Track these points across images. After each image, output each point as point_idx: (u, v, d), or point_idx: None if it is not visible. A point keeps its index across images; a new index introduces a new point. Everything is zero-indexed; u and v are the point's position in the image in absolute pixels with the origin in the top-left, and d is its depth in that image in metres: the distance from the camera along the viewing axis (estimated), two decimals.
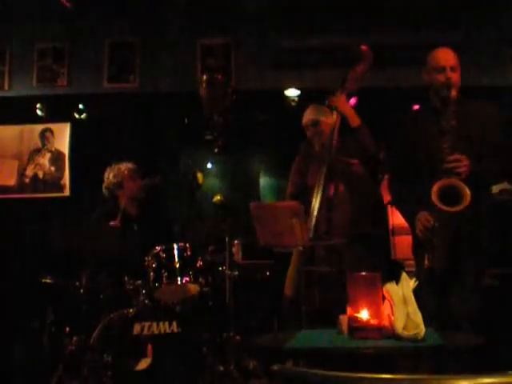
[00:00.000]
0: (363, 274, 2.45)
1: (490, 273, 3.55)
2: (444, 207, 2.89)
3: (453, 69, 3.21)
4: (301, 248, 3.51)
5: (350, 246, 3.58)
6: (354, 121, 3.65)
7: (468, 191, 2.87)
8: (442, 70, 3.20)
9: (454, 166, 2.97)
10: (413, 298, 2.33)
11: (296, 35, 6.11)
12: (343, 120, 3.68)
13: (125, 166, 4.63)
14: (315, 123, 3.99)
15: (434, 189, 2.92)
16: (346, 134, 3.70)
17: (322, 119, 3.96)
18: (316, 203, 3.56)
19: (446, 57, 3.25)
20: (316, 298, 3.49)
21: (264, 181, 6.29)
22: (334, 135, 3.63)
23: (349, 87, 3.64)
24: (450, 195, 2.90)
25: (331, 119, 3.85)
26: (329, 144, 3.65)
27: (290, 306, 3.70)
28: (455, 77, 3.20)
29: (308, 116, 4.08)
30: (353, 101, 3.78)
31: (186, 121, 6.06)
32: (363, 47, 3.67)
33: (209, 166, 6.24)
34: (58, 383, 3.79)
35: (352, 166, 3.65)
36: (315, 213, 3.54)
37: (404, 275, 2.42)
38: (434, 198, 2.91)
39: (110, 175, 4.61)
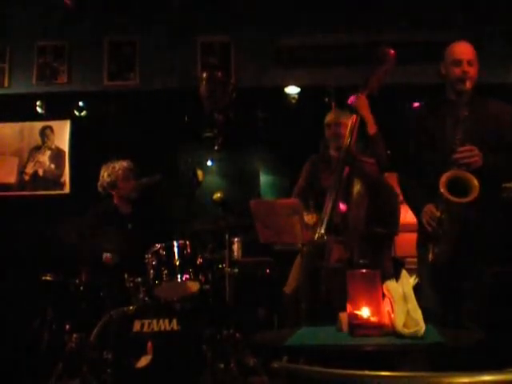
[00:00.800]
0: (363, 271, 2.45)
1: (493, 270, 3.53)
2: (452, 198, 2.88)
3: (470, 63, 3.18)
4: (300, 245, 3.51)
5: (361, 243, 3.57)
6: (372, 127, 3.63)
7: (477, 183, 2.85)
8: (459, 63, 3.18)
9: (464, 156, 2.96)
10: (413, 295, 2.33)
11: (296, 33, 6.12)
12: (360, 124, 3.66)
13: (119, 165, 4.60)
14: (338, 124, 3.97)
15: (443, 179, 2.90)
16: (359, 140, 3.69)
17: (344, 121, 3.94)
18: (331, 199, 3.55)
19: (463, 50, 3.23)
20: (324, 293, 3.48)
21: (264, 178, 6.29)
22: (352, 135, 3.61)
23: (371, 87, 3.63)
24: (459, 187, 2.88)
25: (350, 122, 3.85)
26: (347, 143, 3.63)
27: (291, 303, 3.70)
28: (472, 71, 3.18)
29: (332, 115, 4.07)
30: (352, 98, 3.76)
31: (186, 118, 6.06)
32: (389, 49, 3.66)
33: (209, 163, 6.25)
34: (58, 380, 3.79)
35: (370, 165, 3.64)
36: (330, 209, 3.53)
37: (404, 272, 2.42)
38: (443, 188, 2.89)
39: (104, 174, 4.60)
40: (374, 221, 3.54)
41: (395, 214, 3.63)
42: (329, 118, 4.08)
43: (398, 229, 3.72)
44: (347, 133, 3.64)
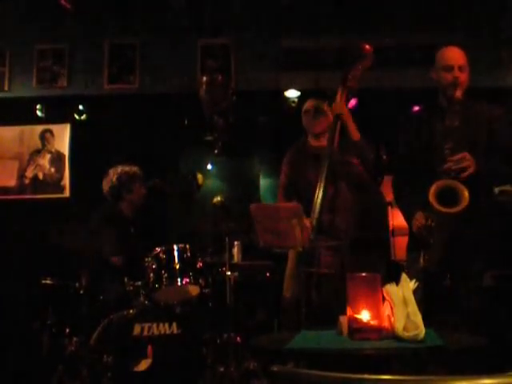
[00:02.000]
0: (363, 274, 2.45)
1: (490, 274, 3.53)
2: (441, 208, 2.88)
3: (461, 68, 3.17)
4: (300, 249, 3.51)
5: (351, 248, 3.57)
6: (355, 134, 3.62)
7: (466, 193, 2.85)
8: (451, 69, 3.17)
9: (455, 166, 2.96)
10: (413, 298, 2.33)
11: (296, 36, 6.12)
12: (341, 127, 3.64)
13: (138, 171, 4.58)
14: (317, 110, 3.93)
15: (432, 189, 2.91)
16: (343, 141, 3.68)
17: (327, 109, 3.91)
18: (317, 204, 3.55)
19: (455, 56, 3.22)
20: (315, 299, 3.48)
21: (264, 182, 6.29)
22: (334, 138, 3.60)
23: (349, 86, 3.60)
24: (449, 196, 2.88)
25: (331, 117, 3.82)
26: (329, 145, 3.62)
27: (290, 308, 3.69)
28: (463, 76, 3.17)
29: (310, 102, 4.02)
30: (353, 102, 3.76)
31: (185, 122, 6.06)
32: (364, 45, 3.64)
33: (209, 167, 6.25)
34: None
35: (354, 167, 3.63)
36: (317, 214, 3.53)
37: (404, 276, 2.42)
38: (432, 198, 2.89)
39: (121, 176, 4.51)
40: (362, 224, 3.53)
41: (383, 216, 3.63)
42: (307, 104, 4.02)
43: (386, 231, 3.71)
44: (329, 138, 3.62)
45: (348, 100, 3.66)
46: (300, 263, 3.56)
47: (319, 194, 3.56)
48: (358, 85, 3.61)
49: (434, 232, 2.99)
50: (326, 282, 3.42)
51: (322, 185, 3.56)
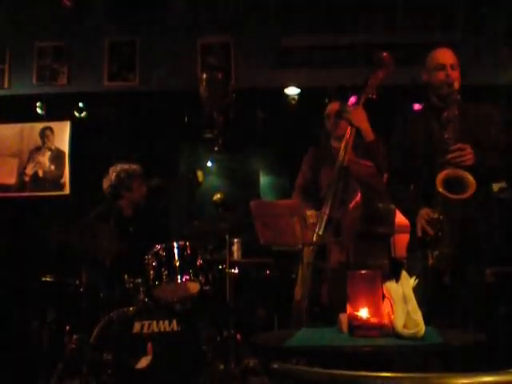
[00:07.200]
0: (363, 272, 2.45)
1: (490, 271, 3.53)
2: (451, 195, 2.87)
3: (453, 67, 3.18)
4: (300, 246, 3.51)
5: (357, 244, 3.56)
6: (369, 135, 3.63)
7: (473, 179, 2.85)
8: (442, 67, 3.17)
9: (458, 155, 2.95)
10: (413, 296, 2.32)
11: (296, 34, 6.12)
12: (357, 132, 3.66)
13: (138, 169, 4.57)
14: (340, 113, 3.96)
15: (439, 178, 2.90)
16: (357, 146, 3.70)
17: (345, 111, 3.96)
18: (329, 202, 3.57)
19: (445, 55, 3.23)
20: (324, 295, 3.49)
21: (264, 179, 6.29)
22: (347, 148, 3.62)
23: (368, 93, 3.63)
24: (455, 186, 2.88)
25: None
26: (342, 157, 3.64)
27: (302, 304, 3.68)
28: (455, 74, 3.18)
29: (332, 106, 4.06)
30: (352, 100, 3.77)
31: (186, 119, 6.06)
32: (384, 54, 3.66)
33: (209, 164, 6.25)
34: (58, 382, 3.79)
35: (367, 168, 3.64)
36: (327, 211, 3.55)
37: (404, 273, 2.42)
38: (440, 187, 2.89)
39: (120, 174, 4.51)
40: (369, 221, 3.53)
41: (391, 216, 3.63)
42: (329, 108, 4.07)
43: (393, 230, 3.72)
44: (342, 146, 3.64)
45: (365, 103, 3.67)
46: (310, 259, 3.57)
47: (331, 193, 3.57)
48: (378, 91, 3.63)
49: (442, 225, 2.98)
50: (336, 278, 3.42)
51: (336, 184, 3.58)
